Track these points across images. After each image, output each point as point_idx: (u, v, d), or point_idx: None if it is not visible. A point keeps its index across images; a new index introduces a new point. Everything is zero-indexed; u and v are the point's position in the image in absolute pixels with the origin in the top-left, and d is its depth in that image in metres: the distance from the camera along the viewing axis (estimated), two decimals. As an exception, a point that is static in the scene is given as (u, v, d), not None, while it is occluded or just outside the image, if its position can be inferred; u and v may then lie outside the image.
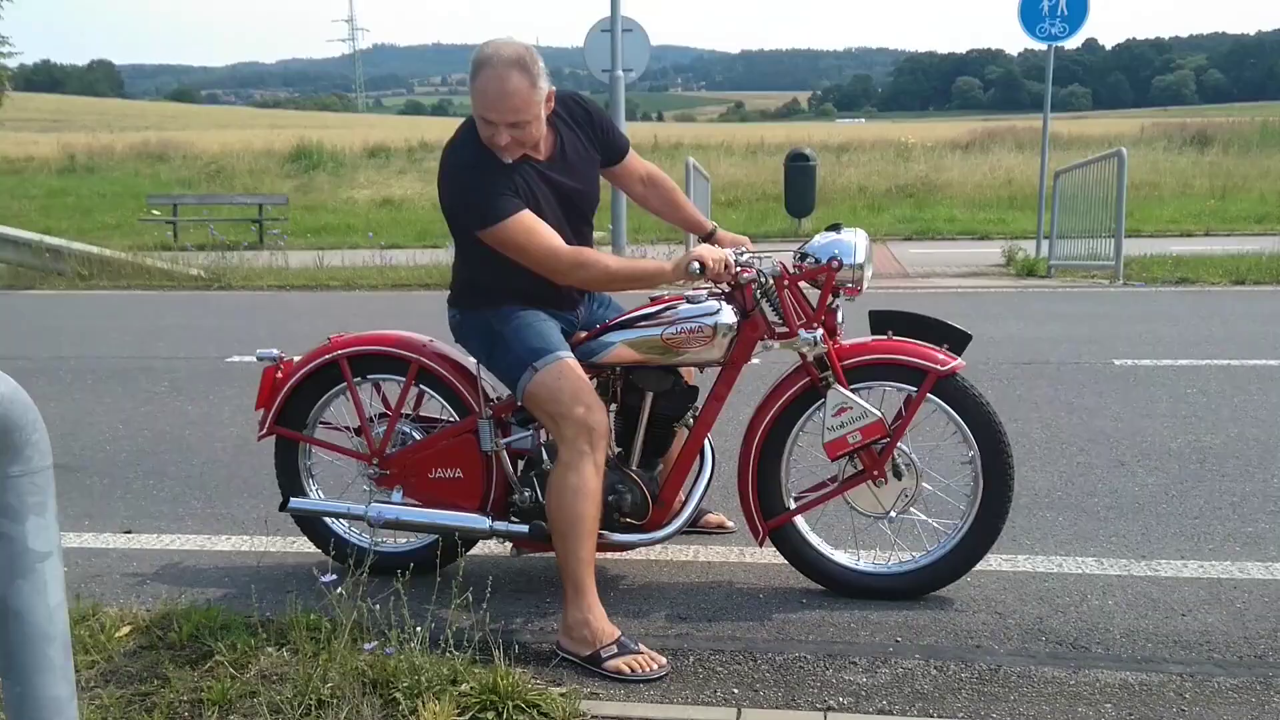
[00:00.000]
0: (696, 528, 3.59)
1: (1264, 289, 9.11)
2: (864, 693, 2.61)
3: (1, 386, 0.97)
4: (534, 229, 2.75)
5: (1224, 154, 25.43)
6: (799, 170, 16.02)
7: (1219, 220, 16.24)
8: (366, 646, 2.61)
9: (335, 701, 2.48)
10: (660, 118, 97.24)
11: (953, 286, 10.12)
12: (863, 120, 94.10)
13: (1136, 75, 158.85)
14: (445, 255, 11.88)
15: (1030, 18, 11.87)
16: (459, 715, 2.45)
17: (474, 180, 2.77)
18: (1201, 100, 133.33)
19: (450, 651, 2.62)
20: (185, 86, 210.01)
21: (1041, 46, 12.10)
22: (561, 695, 2.54)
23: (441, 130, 41.52)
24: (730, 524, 3.58)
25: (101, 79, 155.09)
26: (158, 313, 9.06)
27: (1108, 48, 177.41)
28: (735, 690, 2.63)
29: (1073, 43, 12.28)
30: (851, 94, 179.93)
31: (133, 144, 33.02)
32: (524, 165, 2.83)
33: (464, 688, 2.53)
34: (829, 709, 2.52)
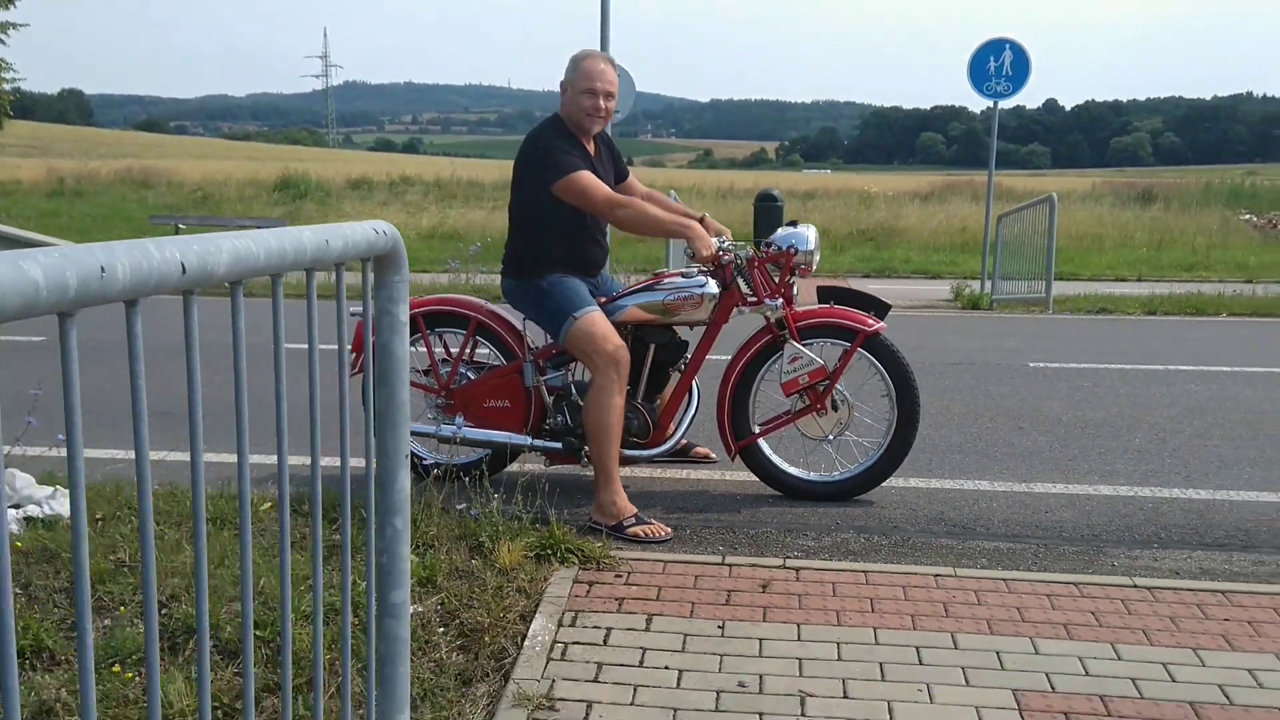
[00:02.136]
0: (688, 458, 4.63)
1: (1172, 318, 10.37)
2: (812, 550, 3.67)
3: (390, 230, 1.99)
4: (594, 181, 3.87)
5: (1165, 210, 27.00)
6: (766, 210, 17.12)
7: (1151, 268, 17.55)
8: (459, 506, 3.63)
9: (437, 544, 3.49)
10: (630, 162, 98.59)
11: (904, 314, 11.27)
12: (829, 171, 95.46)
13: (1095, 136, 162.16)
14: (444, 278, 12.89)
15: (978, 76, 13.08)
16: (526, 554, 3.47)
17: (557, 150, 3.89)
18: (1157, 162, 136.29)
19: (516, 517, 3.65)
20: (154, 117, 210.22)
21: (995, 104, 13.32)
22: (598, 545, 3.56)
23: (419, 166, 42.71)
24: (714, 456, 4.62)
25: (71, 107, 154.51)
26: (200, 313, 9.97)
27: (1067, 108, 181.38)
28: (720, 548, 3.68)
29: (1014, 102, 13.48)
30: (818, 145, 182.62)
31: (117, 170, 33.87)
32: (584, 152, 3.95)
33: (528, 539, 3.55)
34: (787, 557, 3.56)
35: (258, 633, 2.94)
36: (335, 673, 2.68)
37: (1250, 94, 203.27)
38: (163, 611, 3.11)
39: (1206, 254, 19.08)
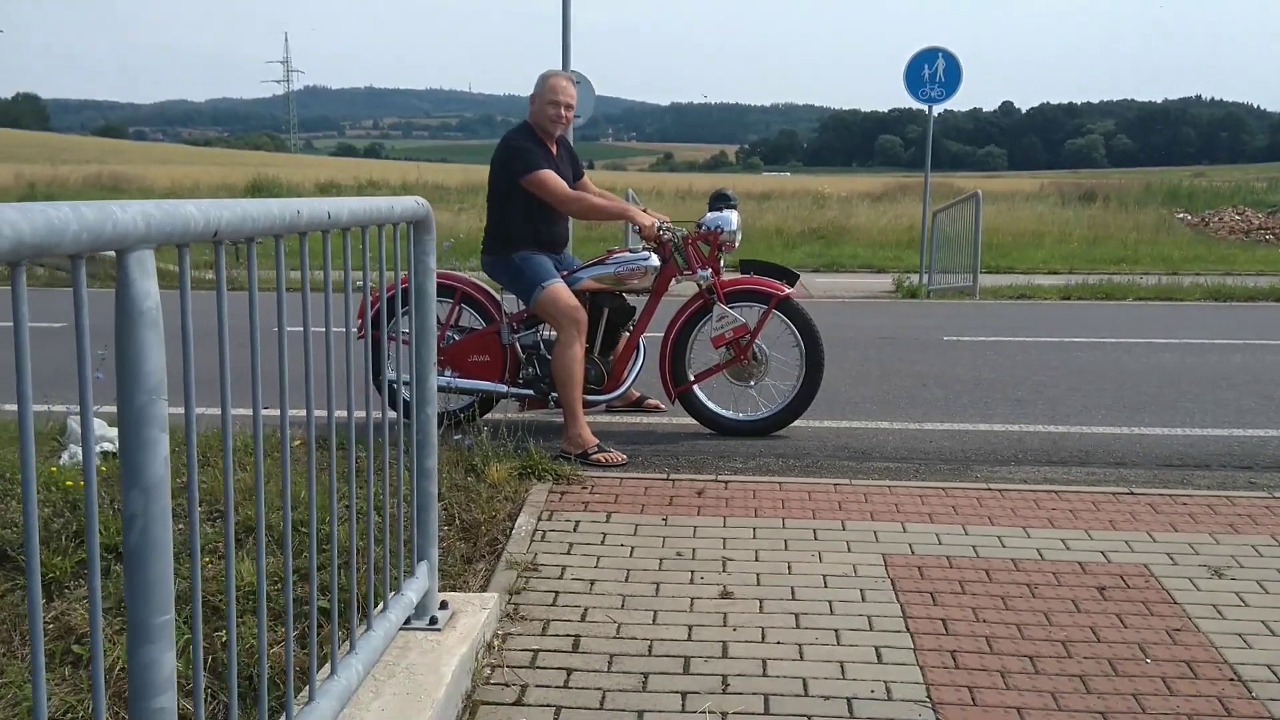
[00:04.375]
0: (641, 408, 5.54)
1: (1084, 303, 11.44)
2: (739, 470, 4.58)
3: (425, 203, 2.86)
4: (555, 178, 4.79)
5: (1105, 209, 28.26)
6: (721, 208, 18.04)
7: (1083, 262, 18.66)
8: (455, 438, 4.51)
9: (439, 467, 4.35)
10: (591, 165, 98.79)
11: (845, 302, 12.26)
12: (788, 174, 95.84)
13: (1049, 138, 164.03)
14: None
15: (913, 83, 14.07)
16: (511, 473, 4.34)
17: (528, 150, 4.80)
18: (1110, 164, 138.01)
19: (502, 446, 4.52)
20: (112, 122, 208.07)
21: (944, 108, 14.32)
22: (568, 468, 4.45)
23: (384, 171, 43.45)
24: (663, 406, 5.52)
25: (27, 112, 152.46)
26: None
27: (1023, 111, 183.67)
28: (666, 469, 4.58)
29: (948, 105, 14.47)
30: (778, 148, 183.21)
31: (86, 176, 34.33)
32: (548, 153, 4.85)
33: (512, 463, 4.42)
34: (719, 474, 4.47)
35: (303, 529, 3.78)
36: (362, 554, 3.54)
37: (1199, 97, 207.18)
38: (215, 521, 3.95)
39: (1135, 249, 20.23)
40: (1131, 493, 4.20)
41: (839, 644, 2.90)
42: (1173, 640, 2.93)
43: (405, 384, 5.17)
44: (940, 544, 3.68)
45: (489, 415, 5.23)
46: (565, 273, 4.98)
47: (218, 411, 1.78)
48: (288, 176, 32.75)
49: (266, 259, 1.97)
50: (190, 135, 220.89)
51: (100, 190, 31.44)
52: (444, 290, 5.18)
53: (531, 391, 5.03)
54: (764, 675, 2.71)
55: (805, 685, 2.66)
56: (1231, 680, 2.69)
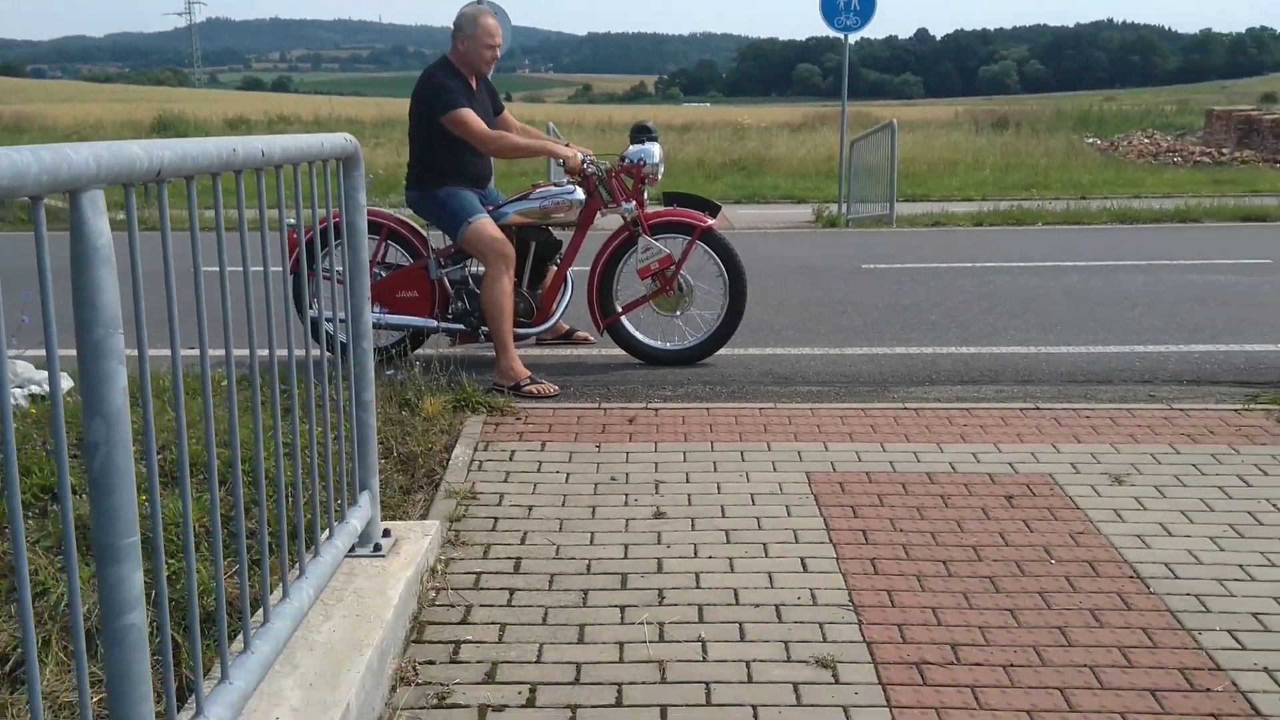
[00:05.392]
0: (569, 340, 5.63)
1: (995, 229, 11.77)
2: (669, 397, 4.72)
3: (353, 139, 2.90)
4: (474, 117, 4.82)
5: (1017, 135, 28.77)
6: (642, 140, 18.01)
7: (996, 188, 19.03)
8: (388, 373, 4.57)
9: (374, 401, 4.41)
10: (509, 98, 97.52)
11: (766, 233, 12.42)
12: (708, 105, 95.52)
13: (964, 65, 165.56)
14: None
15: (829, 10, 14.07)
16: (445, 406, 4.42)
17: (448, 88, 4.81)
18: (1023, 89, 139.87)
19: (435, 381, 4.59)
20: (9, 60, 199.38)
21: (860, 36, 14.40)
22: (502, 400, 4.54)
23: (296, 105, 42.41)
24: (592, 338, 5.62)
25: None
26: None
27: (938, 38, 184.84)
28: (598, 399, 4.69)
29: (864, 34, 14.59)
30: (697, 79, 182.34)
31: (-13, 117, 33.03)
32: (469, 91, 4.87)
33: (446, 396, 4.50)
34: (649, 402, 4.60)
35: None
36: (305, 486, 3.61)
37: (1110, 20, 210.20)
38: (160, 454, 3.97)
39: (1045, 175, 20.69)
40: (1037, 408, 4.42)
41: (767, 556, 3.05)
42: (1075, 543, 3.14)
43: (334, 321, 5.22)
44: (860, 461, 3.85)
45: (420, 350, 5.28)
46: (491, 208, 5.02)
47: (165, 352, 1.83)
48: (194, 112, 31.83)
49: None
50: (90, 72, 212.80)
51: (3, 131, 30.26)
52: (370, 227, 5.18)
53: (461, 326, 5.09)
54: (697, 587, 2.86)
55: (736, 595, 2.81)
56: (1131, 577, 2.90)
